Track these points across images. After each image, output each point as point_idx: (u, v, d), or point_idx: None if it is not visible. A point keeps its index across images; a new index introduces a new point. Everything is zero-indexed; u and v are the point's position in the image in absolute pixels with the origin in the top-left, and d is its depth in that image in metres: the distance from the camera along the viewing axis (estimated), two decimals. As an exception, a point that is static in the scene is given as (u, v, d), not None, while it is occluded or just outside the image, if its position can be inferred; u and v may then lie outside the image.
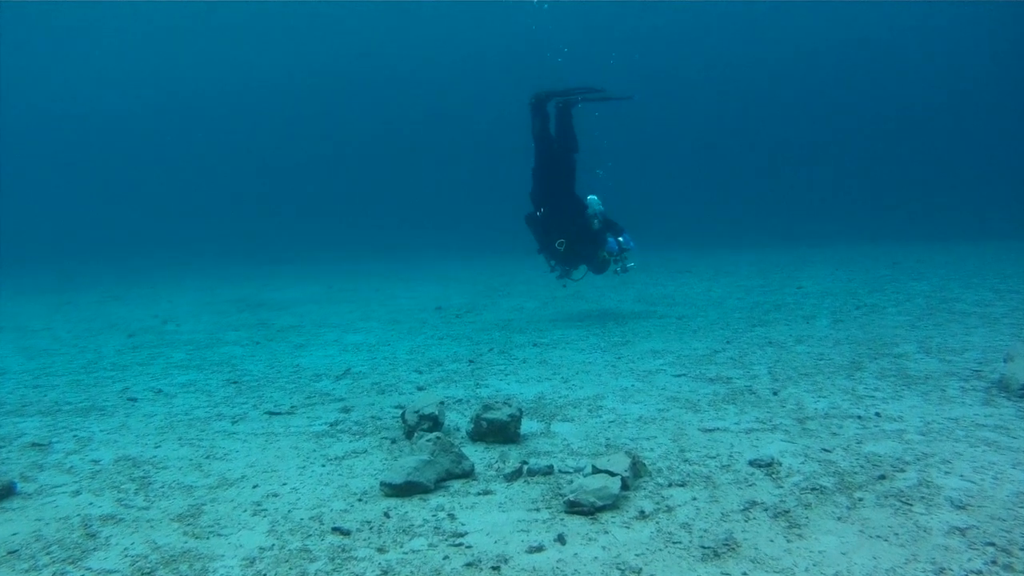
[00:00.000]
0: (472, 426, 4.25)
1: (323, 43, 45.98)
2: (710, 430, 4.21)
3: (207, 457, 4.11)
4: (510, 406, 4.24)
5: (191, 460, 4.04)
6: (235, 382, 6.20)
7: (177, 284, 18.22)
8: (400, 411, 4.59)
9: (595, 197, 9.07)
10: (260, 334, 8.83)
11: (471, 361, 6.57)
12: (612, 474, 3.29)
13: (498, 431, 4.17)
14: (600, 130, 9.68)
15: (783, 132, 61.74)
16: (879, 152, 60.65)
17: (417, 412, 4.33)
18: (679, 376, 5.61)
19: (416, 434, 4.13)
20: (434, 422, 4.29)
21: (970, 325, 7.30)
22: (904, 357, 5.94)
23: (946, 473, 3.38)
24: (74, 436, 4.65)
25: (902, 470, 3.43)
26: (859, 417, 4.34)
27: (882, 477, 3.35)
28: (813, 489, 3.23)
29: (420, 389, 5.61)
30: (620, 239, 8.79)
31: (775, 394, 4.96)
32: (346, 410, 5.04)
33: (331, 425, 4.66)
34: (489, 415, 4.19)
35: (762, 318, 8.37)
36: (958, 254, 16.49)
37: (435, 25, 42.51)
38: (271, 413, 5.08)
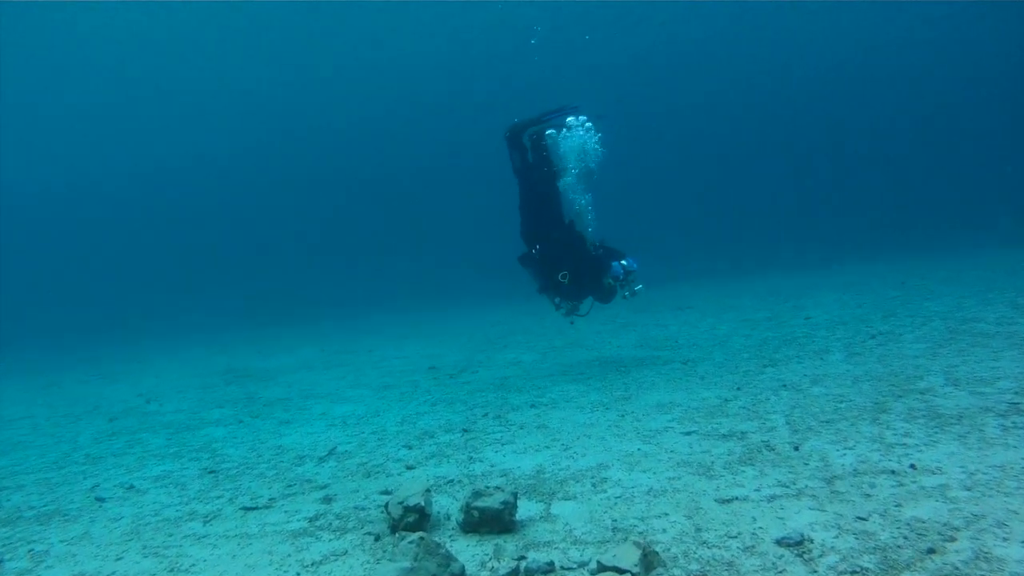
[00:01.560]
0: (463, 516, 3.79)
1: (318, 99, 45.93)
2: (728, 500, 3.75)
3: (170, 571, 3.65)
4: (503, 491, 3.78)
5: (152, 576, 3.60)
6: (212, 471, 5.74)
7: (169, 354, 17.79)
8: (386, 498, 4.14)
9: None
10: (245, 411, 8.37)
11: (465, 430, 6.09)
12: (620, 571, 2.86)
13: (491, 520, 3.71)
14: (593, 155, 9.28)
15: (778, 152, 61.90)
16: (873, 161, 60.72)
17: (401, 504, 3.86)
18: (689, 434, 5.15)
19: (399, 533, 3.67)
20: (420, 514, 3.83)
21: (996, 349, 6.84)
22: (931, 392, 5.48)
23: (1004, 540, 2.93)
24: (30, 550, 4.20)
25: (952, 539, 2.99)
26: (893, 472, 3.88)
27: (931, 551, 2.90)
28: (853, 573, 2.78)
29: (409, 468, 5.15)
30: (624, 262, 8.34)
31: (796, 449, 4.50)
32: (328, 500, 4.58)
33: (310, 520, 4.20)
34: (480, 503, 3.74)
35: (772, 356, 7.89)
36: (966, 266, 16.05)
37: (429, 81, 42.49)
38: (247, 508, 4.63)
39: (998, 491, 3.44)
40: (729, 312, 12.77)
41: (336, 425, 6.99)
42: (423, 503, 3.85)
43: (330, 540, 3.85)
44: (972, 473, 3.72)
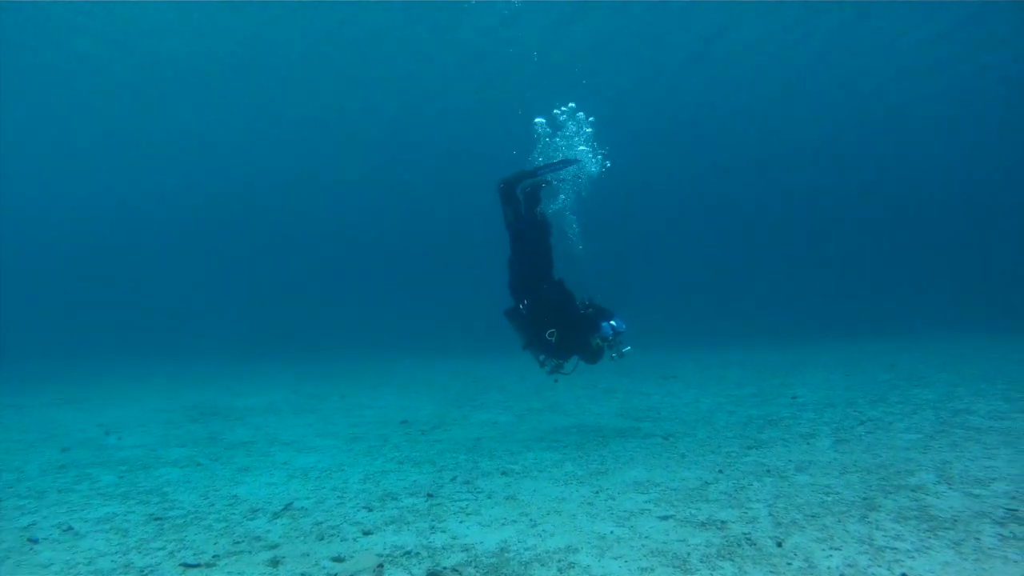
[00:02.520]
0: (415, 599, 3.47)
1: (308, 142, 45.96)
2: (704, 601, 3.45)
3: (90, 636, 3.32)
4: (460, 575, 3.47)
5: (63, 649, 3.27)
6: (158, 518, 5.38)
7: (141, 383, 17.37)
8: (337, 568, 3.82)
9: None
10: (205, 452, 8.00)
11: (430, 495, 5.75)
12: None
13: (445, 606, 3.40)
14: (575, 211, 9.06)
15: (772, 226, 62.28)
16: (867, 243, 61.11)
17: (350, 578, 3.55)
18: (665, 519, 4.83)
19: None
20: (369, 591, 3.52)
21: (990, 445, 6.57)
22: (923, 491, 5.19)
23: None
24: (-58, 597, 3.85)
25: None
26: (883, 581, 3.59)
27: None
28: None
29: (366, 534, 4.81)
30: (612, 323, 7.97)
31: (779, 545, 4.20)
32: (275, 563, 4.25)
33: (251, 587, 3.87)
34: (434, 586, 3.43)
35: (757, 437, 7.58)
36: (958, 352, 15.87)
37: (426, 122, 42.51)
38: (187, 565, 4.28)
39: (998, 614, 3.16)
40: (714, 385, 12.50)
41: (297, 477, 6.64)
42: (373, 580, 3.54)
43: (270, 612, 3.52)
44: (968, 590, 3.43)
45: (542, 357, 8.51)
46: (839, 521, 4.59)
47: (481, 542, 4.52)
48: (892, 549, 4.04)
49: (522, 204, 8.56)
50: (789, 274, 59.81)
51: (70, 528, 5.17)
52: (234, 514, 5.42)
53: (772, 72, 35.83)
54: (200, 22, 29.17)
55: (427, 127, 43.99)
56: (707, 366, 16.26)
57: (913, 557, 3.90)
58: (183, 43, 30.78)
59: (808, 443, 7.11)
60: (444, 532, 4.77)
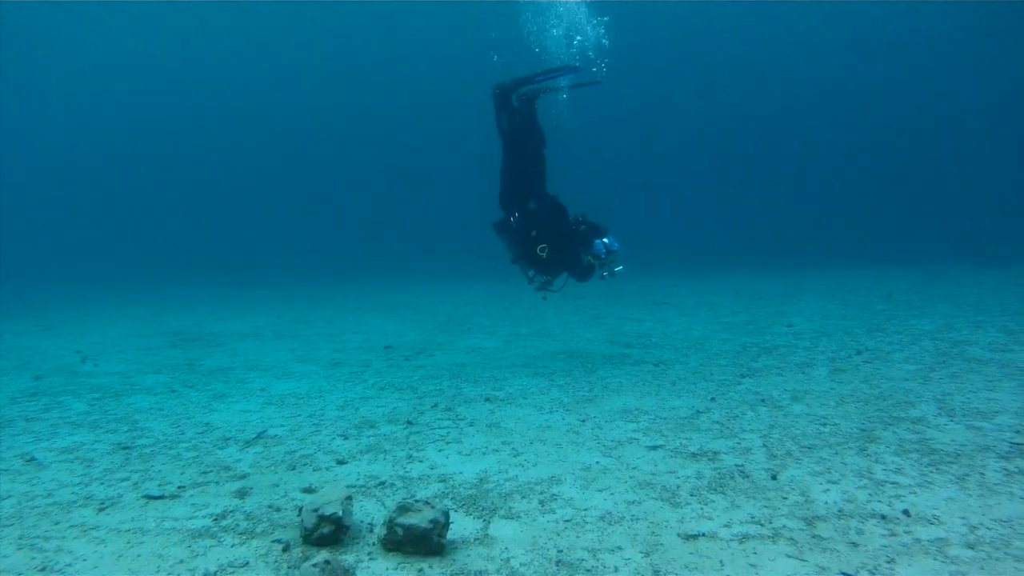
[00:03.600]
0: (385, 531, 3.23)
1: (308, 62, 45.00)
2: (693, 537, 3.22)
3: (41, 571, 3.08)
4: (433, 507, 3.22)
5: (18, 576, 3.05)
6: (126, 447, 5.15)
7: (125, 309, 17.09)
8: (307, 499, 3.60)
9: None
10: (181, 379, 7.76)
11: (409, 423, 5.52)
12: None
13: (417, 541, 3.15)
14: (570, 125, 8.61)
15: (768, 150, 61.57)
16: (866, 172, 60.56)
17: (317, 512, 3.29)
18: (654, 448, 4.61)
19: (307, 547, 3.13)
20: (337, 525, 3.27)
21: (991, 377, 6.34)
22: (923, 423, 4.97)
23: (1019, 621, 2.42)
24: None
25: (956, 614, 2.47)
26: (883, 517, 3.36)
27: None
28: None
29: (340, 463, 4.58)
30: (605, 240, 7.64)
31: (773, 478, 3.98)
32: (242, 494, 4.02)
33: (216, 519, 3.63)
34: (405, 520, 3.18)
35: (751, 365, 7.35)
36: (954, 284, 15.64)
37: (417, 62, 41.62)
38: (150, 497, 4.05)
39: (1007, 554, 2.93)
40: (707, 312, 12.25)
41: (273, 403, 6.40)
42: (340, 513, 3.29)
43: (233, 546, 3.29)
44: (974, 527, 3.21)
45: (531, 272, 8.19)
46: (836, 453, 4.37)
47: (460, 472, 4.29)
48: (892, 483, 3.82)
49: (518, 112, 8.14)
50: (785, 200, 59.44)
51: (32, 459, 4.93)
52: (204, 443, 5.19)
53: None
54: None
55: (416, 56, 43.14)
56: (700, 293, 16.01)
57: (915, 492, 3.69)
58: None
59: (804, 372, 6.88)
60: (422, 461, 4.54)
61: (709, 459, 4.35)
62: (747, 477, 4.01)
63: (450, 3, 35.72)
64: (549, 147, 8.22)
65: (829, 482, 3.88)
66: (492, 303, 15.48)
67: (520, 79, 8.14)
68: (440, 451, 4.75)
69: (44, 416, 6.23)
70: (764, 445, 4.59)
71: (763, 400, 5.81)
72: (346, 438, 5.16)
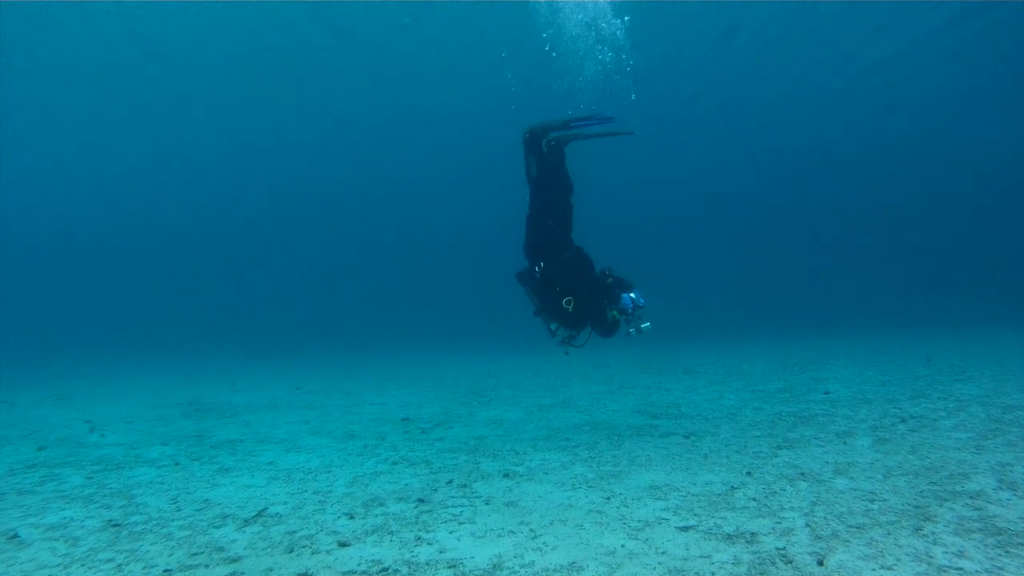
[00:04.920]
0: (381, 629, 2.85)
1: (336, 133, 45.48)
2: (733, 636, 2.80)
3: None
4: (434, 601, 2.85)
5: None
6: (117, 524, 4.80)
7: (143, 379, 16.85)
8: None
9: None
10: (188, 451, 7.42)
11: (421, 500, 5.12)
12: None
13: (416, 640, 2.77)
14: (596, 188, 8.31)
15: (798, 213, 61.22)
16: (896, 232, 59.95)
17: (304, 604, 2.93)
18: (685, 530, 4.18)
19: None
20: (327, 620, 2.90)
21: (1052, 446, 5.86)
22: (983, 497, 4.51)
23: None
24: None
25: None
26: (951, 612, 2.92)
27: None
28: None
29: (343, 545, 4.20)
30: (632, 295, 7.26)
31: (820, 563, 3.55)
32: (231, 582, 3.65)
33: (198, 610, 3.26)
34: (403, 615, 2.80)
35: (787, 436, 6.87)
36: (997, 345, 15.04)
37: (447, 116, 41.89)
38: (131, 583, 3.70)
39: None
40: (738, 380, 11.75)
41: (279, 479, 6.03)
42: (331, 607, 2.92)
43: (212, 643, 2.91)
44: (1059, 624, 2.77)
45: (554, 326, 7.76)
46: (888, 534, 3.93)
47: (471, 557, 3.89)
48: (957, 569, 3.39)
49: (546, 157, 7.86)
50: (809, 267, 58.89)
51: (15, 536, 4.61)
52: (200, 521, 4.83)
53: (792, 66, 34.92)
54: (201, 22, 28.85)
55: (428, 121, 43.48)
56: (730, 361, 15.50)
57: (984, 580, 3.25)
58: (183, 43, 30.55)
59: (845, 443, 6.40)
60: (431, 544, 4.15)
61: (747, 541, 3.93)
62: (790, 563, 3.58)
63: (460, 60, 36.00)
64: (576, 196, 7.92)
65: (884, 568, 3.45)
66: (516, 373, 15.08)
67: (552, 124, 7.88)
68: (451, 532, 4.35)
69: (38, 489, 5.92)
70: (807, 525, 4.16)
71: (803, 474, 5.35)
72: (352, 517, 4.77)
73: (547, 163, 7.80)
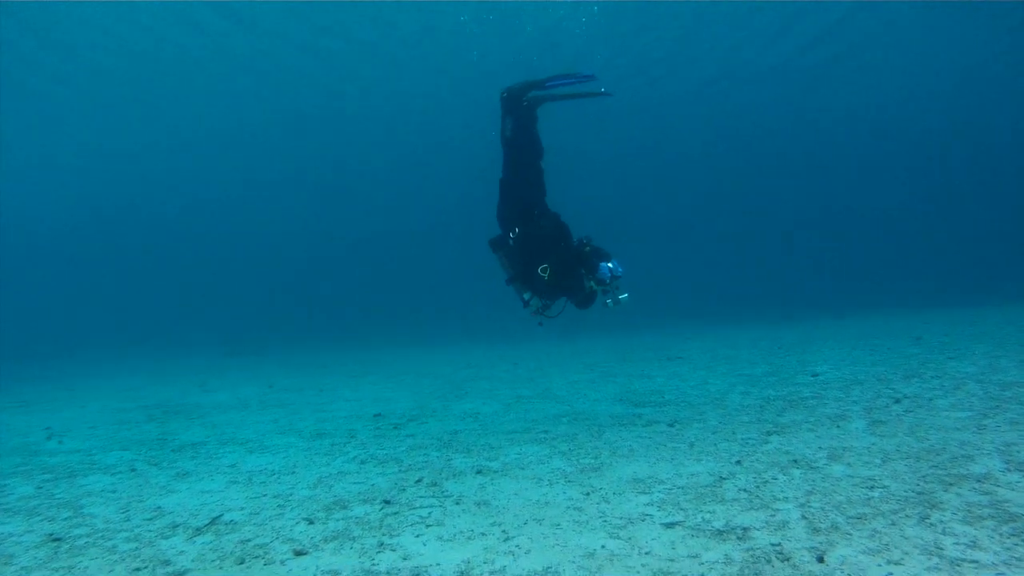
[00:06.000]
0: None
1: (302, 132, 44.99)
2: (727, 648, 2.45)
3: None
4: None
5: None
6: (57, 539, 4.42)
7: (109, 381, 16.34)
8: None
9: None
10: (147, 455, 7.01)
11: (386, 502, 4.74)
12: None
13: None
14: (577, 174, 7.97)
15: (777, 193, 61.00)
16: (879, 211, 59.88)
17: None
18: (671, 526, 3.83)
19: None
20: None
21: (1057, 423, 5.55)
22: (991, 480, 4.19)
23: None
24: None
25: None
26: (971, 612, 2.59)
27: None
28: None
29: (298, 554, 3.84)
30: (610, 265, 6.88)
31: (820, 560, 3.22)
32: (173, 598, 3.27)
33: (131, 635, 2.89)
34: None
35: (777, 421, 6.52)
36: (984, 322, 14.78)
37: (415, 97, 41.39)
38: (62, 604, 3.32)
39: None
40: (724, 364, 11.40)
41: (239, 482, 5.65)
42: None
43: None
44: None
45: (527, 295, 7.44)
46: (892, 524, 3.60)
47: (437, 563, 3.54)
48: (971, 562, 3.06)
49: (522, 118, 7.51)
50: (793, 250, 58.77)
51: (-58, 556, 4.21)
52: (148, 531, 4.45)
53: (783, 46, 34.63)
54: (199, 20, 28.43)
55: (411, 120, 43.20)
56: (715, 346, 15.18)
57: (1003, 573, 2.92)
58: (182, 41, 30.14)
59: (838, 426, 6.06)
60: (394, 550, 3.79)
61: (738, 538, 3.59)
62: (787, 560, 3.24)
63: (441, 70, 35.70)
64: (547, 159, 7.58)
65: (891, 563, 3.12)
66: (495, 364, 14.70)
67: (531, 83, 7.58)
68: (418, 536, 3.99)
69: (-19, 503, 5.51)
70: (803, 517, 3.82)
71: (796, 461, 5.01)
72: (311, 522, 4.40)
73: (521, 124, 7.46)
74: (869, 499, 4.03)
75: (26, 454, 7.54)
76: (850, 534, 3.51)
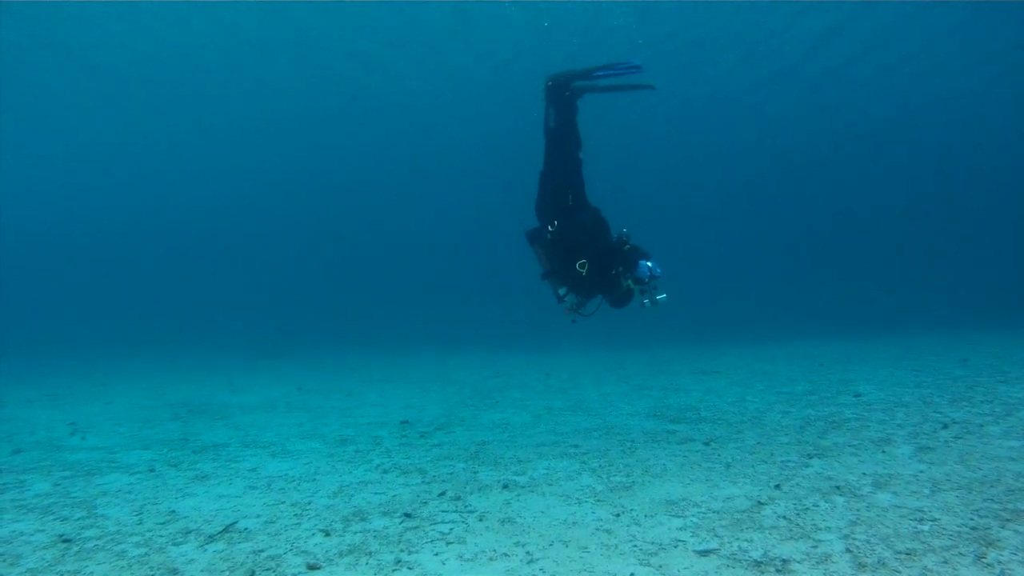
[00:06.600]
0: None
1: (328, 120, 44.98)
2: None
3: None
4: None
5: None
6: (67, 540, 4.29)
7: (139, 379, 16.32)
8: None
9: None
10: (168, 456, 6.88)
11: (407, 515, 4.55)
12: None
13: None
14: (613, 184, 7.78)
15: (815, 208, 60.20)
16: (924, 227, 58.82)
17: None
18: (705, 555, 3.60)
19: None
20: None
21: (1119, 457, 5.23)
22: (1050, 519, 3.90)
23: None
24: None
25: None
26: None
27: None
28: None
29: (312, 568, 3.66)
30: (649, 264, 6.70)
31: (868, 600, 2.96)
32: (177, 614, 3.10)
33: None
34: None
35: (818, 443, 6.24)
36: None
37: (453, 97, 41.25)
38: (63, 613, 3.17)
39: None
40: (762, 381, 11.08)
41: (258, 488, 5.49)
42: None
43: None
44: None
45: (563, 291, 7.24)
46: (945, 562, 3.34)
47: (456, 587, 3.34)
48: (1035, 610, 2.79)
49: (564, 108, 7.33)
50: (840, 261, 57.97)
51: (-50, 553, 4.09)
52: (160, 537, 4.30)
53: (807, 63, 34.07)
54: (200, 20, 28.59)
55: (438, 122, 43.05)
56: (751, 361, 14.83)
57: (1070, 624, 2.66)
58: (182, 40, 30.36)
59: (883, 451, 5.76)
60: (411, 569, 3.60)
61: (777, 570, 3.35)
62: (832, 599, 3.00)
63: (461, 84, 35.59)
64: (585, 152, 7.40)
65: (945, 607, 2.86)
66: (526, 373, 14.48)
67: (576, 72, 7.40)
68: (437, 555, 3.80)
69: (-5, 499, 5.40)
70: (847, 550, 3.57)
71: (838, 487, 4.74)
72: (328, 534, 4.22)
73: (564, 115, 7.28)
74: (918, 532, 3.77)
75: (48, 449, 7.47)
76: (899, 572, 3.26)
